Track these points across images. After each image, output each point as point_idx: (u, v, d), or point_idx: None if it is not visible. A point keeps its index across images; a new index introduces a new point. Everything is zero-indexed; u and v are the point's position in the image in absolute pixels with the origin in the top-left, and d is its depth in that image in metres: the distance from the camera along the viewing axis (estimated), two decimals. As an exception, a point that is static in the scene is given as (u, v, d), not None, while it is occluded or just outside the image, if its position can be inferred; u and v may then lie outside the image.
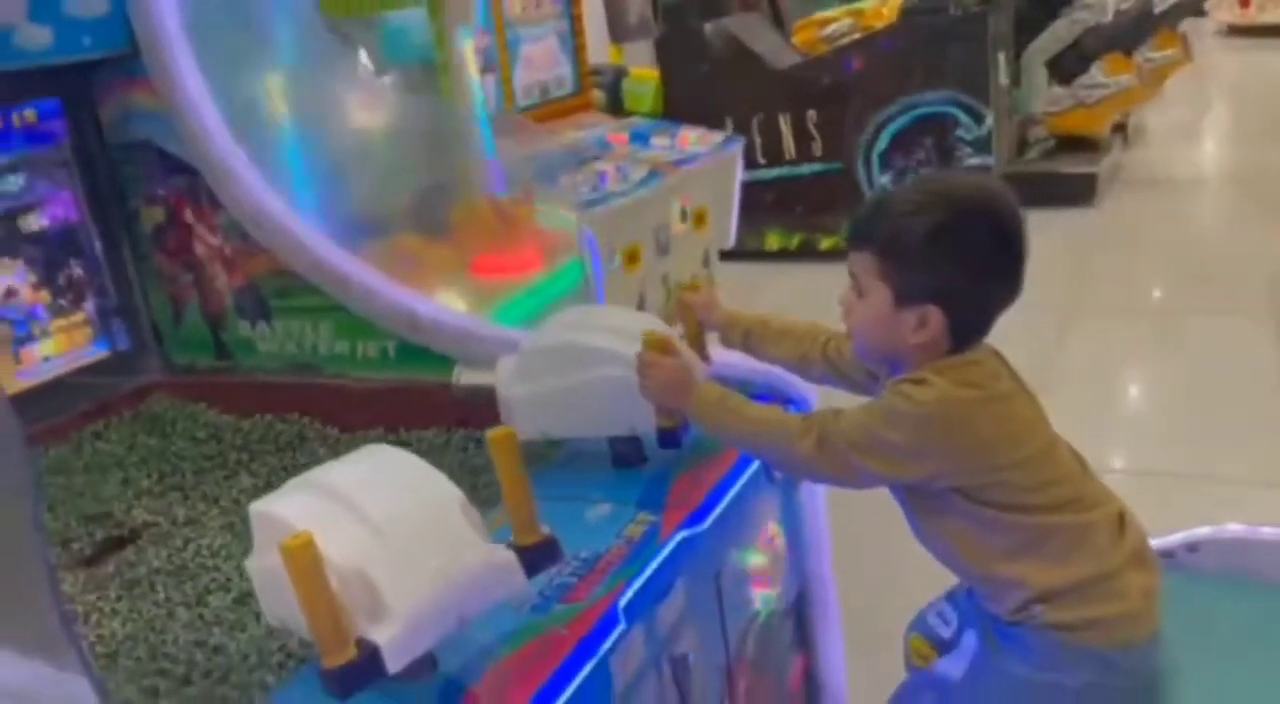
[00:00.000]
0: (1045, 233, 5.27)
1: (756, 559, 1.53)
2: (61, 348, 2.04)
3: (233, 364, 2.13)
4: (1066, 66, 5.90)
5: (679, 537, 1.29)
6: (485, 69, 3.68)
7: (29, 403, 1.94)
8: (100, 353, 2.11)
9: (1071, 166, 5.76)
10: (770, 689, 1.60)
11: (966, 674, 1.31)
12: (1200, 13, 8.98)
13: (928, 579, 1.40)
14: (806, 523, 1.67)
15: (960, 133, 4.62)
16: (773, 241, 5.28)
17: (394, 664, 0.93)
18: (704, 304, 1.58)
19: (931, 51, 4.60)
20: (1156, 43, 6.15)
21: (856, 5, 6.32)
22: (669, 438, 1.42)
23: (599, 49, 4.97)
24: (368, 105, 2.32)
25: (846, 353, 1.42)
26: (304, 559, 0.88)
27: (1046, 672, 1.22)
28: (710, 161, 4.01)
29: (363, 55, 2.86)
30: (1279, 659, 1.34)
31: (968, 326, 1.22)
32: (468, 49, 2.76)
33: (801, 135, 4.92)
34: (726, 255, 4.46)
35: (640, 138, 4.00)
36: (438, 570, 0.96)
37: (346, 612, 0.92)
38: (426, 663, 1.02)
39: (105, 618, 1.37)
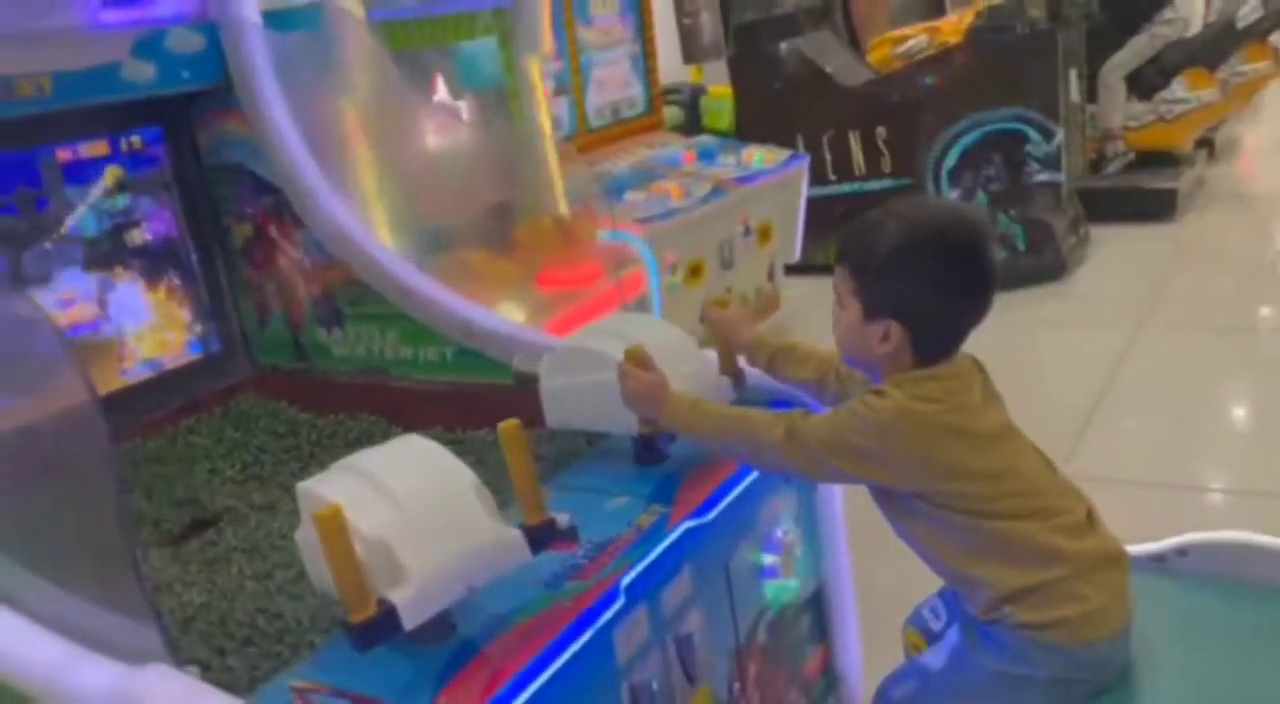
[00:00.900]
0: (1123, 247, 5.25)
1: (769, 554, 1.65)
2: (160, 350, 2.21)
3: (310, 366, 2.28)
4: (1147, 81, 5.85)
5: (685, 526, 1.42)
6: (558, 92, 3.85)
7: (131, 399, 2.13)
8: (194, 355, 2.28)
9: (1151, 182, 5.70)
10: (784, 676, 1.71)
11: (946, 665, 1.40)
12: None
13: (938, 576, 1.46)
14: (823, 523, 1.78)
15: (1029, 149, 4.62)
16: (839, 256, 5.32)
17: (409, 621, 1.07)
18: (731, 324, 1.65)
19: (1000, 69, 4.60)
20: (1246, 56, 6.04)
21: (933, 22, 6.34)
22: (649, 444, 1.55)
23: (670, 69, 5.09)
24: (438, 129, 2.49)
25: (856, 373, 1.48)
26: (332, 527, 1.03)
27: (1017, 666, 1.30)
28: (774, 178, 4.10)
29: (439, 82, 3.06)
30: (1267, 661, 1.38)
31: (930, 341, 1.28)
32: (535, 74, 2.91)
33: (871, 151, 4.97)
34: (793, 269, 4.53)
35: (707, 156, 4.11)
36: (451, 542, 1.11)
37: (370, 574, 1.07)
38: (447, 627, 1.17)
39: (185, 588, 1.53)
